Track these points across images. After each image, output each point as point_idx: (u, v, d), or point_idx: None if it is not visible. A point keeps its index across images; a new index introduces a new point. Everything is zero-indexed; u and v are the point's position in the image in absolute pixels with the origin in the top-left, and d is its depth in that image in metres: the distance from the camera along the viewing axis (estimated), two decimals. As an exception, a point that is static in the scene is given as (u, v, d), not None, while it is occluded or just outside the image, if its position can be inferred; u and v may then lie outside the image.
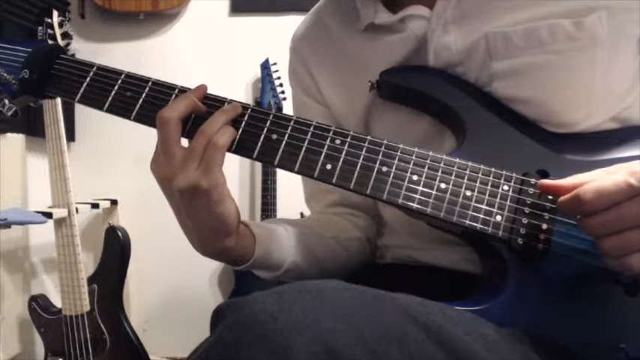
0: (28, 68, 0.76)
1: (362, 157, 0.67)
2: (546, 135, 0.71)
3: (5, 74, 0.76)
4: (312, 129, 0.68)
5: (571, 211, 0.59)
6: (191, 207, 0.66)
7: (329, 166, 0.67)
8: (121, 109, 0.73)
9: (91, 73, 0.75)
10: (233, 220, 0.69)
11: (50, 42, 1.78)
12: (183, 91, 0.72)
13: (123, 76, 0.74)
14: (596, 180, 0.57)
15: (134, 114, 0.72)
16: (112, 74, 0.74)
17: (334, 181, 0.67)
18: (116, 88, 0.73)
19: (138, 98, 0.72)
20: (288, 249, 0.80)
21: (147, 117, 0.72)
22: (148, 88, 0.72)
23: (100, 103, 0.73)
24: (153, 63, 2.52)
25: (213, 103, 0.70)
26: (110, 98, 0.73)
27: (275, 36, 2.29)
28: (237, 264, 0.75)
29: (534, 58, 0.70)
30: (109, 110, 0.73)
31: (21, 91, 0.77)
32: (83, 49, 2.48)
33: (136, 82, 0.73)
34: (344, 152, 0.67)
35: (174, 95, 0.72)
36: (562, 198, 0.59)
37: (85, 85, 0.74)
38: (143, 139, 2.42)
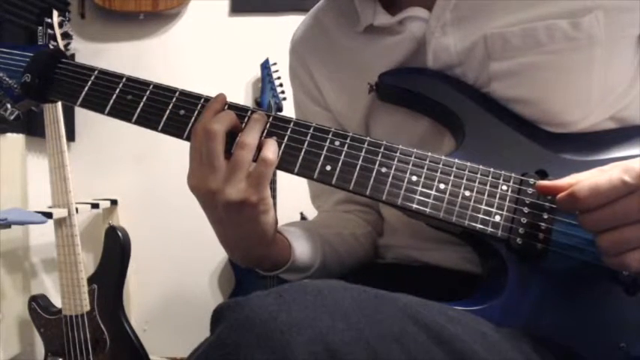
0: (29, 73, 0.76)
1: (361, 158, 0.67)
2: (545, 135, 0.71)
3: (7, 79, 0.77)
4: (311, 130, 0.69)
5: (567, 208, 0.60)
6: (236, 219, 0.66)
7: (328, 167, 0.67)
8: (122, 112, 0.73)
9: (92, 77, 0.75)
10: (274, 228, 0.71)
11: (51, 45, 1.78)
12: (184, 94, 0.72)
13: (124, 79, 0.74)
14: (591, 178, 0.57)
15: (135, 117, 0.72)
16: (113, 78, 0.74)
17: (334, 182, 0.67)
18: (117, 91, 0.73)
19: (139, 102, 0.72)
20: (316, 250, 0.81)
21: (148, 120, 0.72)
22: (148, 92, 0.72)
23: (102, 107, 0.73)
24: (153, 63, 2.52)
25: (238, 113, 0.70)
26: (111, 102, 0.73)
27: (275, 36, 2.30)
28: (271, 270, 0.76)
29: (532, 58, 0.71)
30: (110, 114, 0.73)
31: (23, 96, 0.78)
32: (83, 49, 2.49)
33: (136, 85, 0.73)
34: (343, 153, 0.67)
35: (174, 98, 0.72)
36: (560, 195, 0.59)
37: (86, 89, 0.75)
38: (143, 139, 2.44)
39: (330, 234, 0.86)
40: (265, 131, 0.69)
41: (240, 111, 0.70)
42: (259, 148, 0.66)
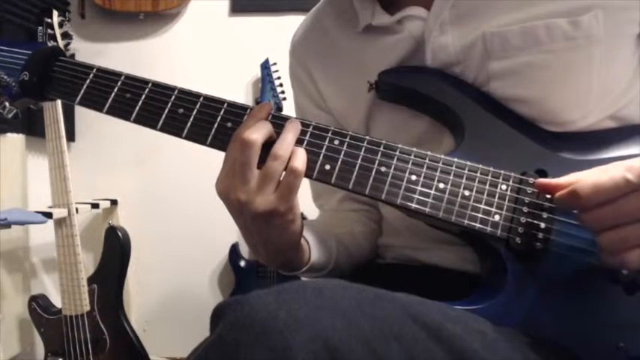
0: (27, 70, 0.76)
1: (360, 158, 0.67)
2: (545, 134, 0.71)
3: (5, 77, 0.76)
4: (310, 129, 0.68)
5: (568, 206, 0.60)
6: (264, 228, 0.66)
7: (328, 167, 0.67)
8: (121, 110, 0.72)
9: (91, 75, 0.75)
10: (299, 235, 0.71)
11: (50, 44, 1.78)
12: (182, 92, 0.72)
13: (122, 77, 0.73)
14: (593, 176, 0.57)
15: (134, 116, 0.72)
16: (111, 76, 0.74)
17: (333, 181, 0.67)
18: (116, 90, 0.73)
19: (137, 100, 0.72)
20: (331, 251, 0.82)
21: (146, 119, 0.71)
22: (147, 90, 0.72)
23: (100, 105, 0.73)
24: (153, 63, 2.52)
25: (276, 122, 0.69)
26: (110, 100, 0.73)
27: (275, 36, 2.30)
28: (291, 271, 0.77)
29: (531, 57, 0.71)
30: (109, 112, 0.73)
31: (21, 94, 0.77)
32: (83, 49, 2.49)
33: (135, 83, 0.73)
34: (342, 153, 0.67)
35: (173, 97, 0.71)
36: (559, 193, 0.59)
37: (84, 87, 0.74)
38: (143, 139, 2.45)
39: (343, 233, 0.87)
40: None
41: (280, 120, 0.69)
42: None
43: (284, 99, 2.35)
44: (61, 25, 1.81)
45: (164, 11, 2.49)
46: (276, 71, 2.34)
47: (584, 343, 0.62)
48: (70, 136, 2.45)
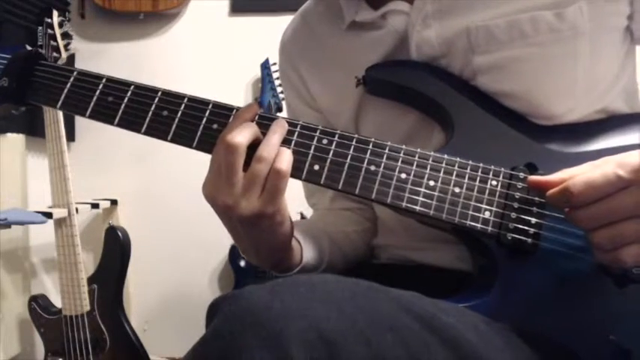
0: (7, 76, 0.74)
1: (350, 157, 0.66)
2: (534, 128, 0.71)
3: None
4: (298, 129, 0.68)
5: (560, 204, 0.59)
6: (252, 230, 0.65)
7: (317, 167, 0.66)
8: (104, 115, 0.70)
9: (72, 79, 0.72)
10: (290, 236, 0.70)
11: (49, 44, 1.78)
12: (166, 94, 0.70)
13: (104, 80, 0.71)
14: (585, 173, 0.57)
15: (117, 120, 0.70)
16: (92, 79, 0.72)
17: (322, 181, 0.66)
18: (97, 93, 0.71)
19: (120, 103, 0.70)
20: (324, 251, 0.82)
21: (130, 122, 0.70)
22: (130, 93, 0.70)
23: (82, 110, 0.71)
24: (153, 63, 2.52)
25: (263, 122, 0.68)
26: (92, 104, 0.71)
27: (275, 36, 2.28)
28: (283, 272, 0.76)
29: (517, 51, 0.70)
30: (92, 116, 0.71)
31: (1, 100, 0.75)
32: (83, 49, 2.49)
33: (117, 86, 0.71)
34: (331, 152, 0.67)
35: (156, 99, 0.70)
36: (551, 191, 0.59)
37: (65, 91, 0.72)
38: (143, 139, 2.43)
39: (335, 232, 0.87)
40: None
41: (268, 120, 0.67)
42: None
43: (284, 99, 2.34)
44: (61, 25, 1.82)
45: (164, 11, 2.49)
46: (276, 71, 2.34)
47: (575, 337, 0.62)
48: (70, 136, 2.46)
